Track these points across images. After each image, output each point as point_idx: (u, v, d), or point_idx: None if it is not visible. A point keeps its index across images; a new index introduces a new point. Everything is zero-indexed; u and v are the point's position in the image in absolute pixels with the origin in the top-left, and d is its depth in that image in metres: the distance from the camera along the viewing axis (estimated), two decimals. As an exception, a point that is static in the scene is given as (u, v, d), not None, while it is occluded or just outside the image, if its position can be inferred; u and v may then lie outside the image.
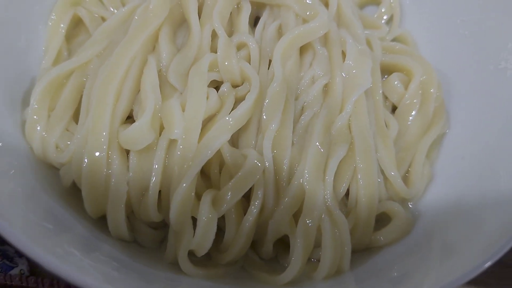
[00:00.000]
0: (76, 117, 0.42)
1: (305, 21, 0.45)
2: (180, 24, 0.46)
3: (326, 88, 0.43)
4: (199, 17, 0.45)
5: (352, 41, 0.44)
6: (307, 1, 0.45)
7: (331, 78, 0.43)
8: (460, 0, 0.49)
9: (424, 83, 0.47)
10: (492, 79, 0.45)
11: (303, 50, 0.45)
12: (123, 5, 0.50)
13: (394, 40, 0.54)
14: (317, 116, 0.41)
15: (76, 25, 0.50)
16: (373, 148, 0.40)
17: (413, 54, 0.49)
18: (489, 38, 0.46)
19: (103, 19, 0.49)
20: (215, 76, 0.42)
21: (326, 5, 0.48)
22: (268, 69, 0.43)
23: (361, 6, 0.57)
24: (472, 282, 0.33)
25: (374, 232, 0.41)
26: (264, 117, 0.39)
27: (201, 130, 0.38)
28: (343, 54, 0.44)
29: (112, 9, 0.50)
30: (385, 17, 0.54)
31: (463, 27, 0.49)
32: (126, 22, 0.45)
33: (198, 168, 0.36)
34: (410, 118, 0.46)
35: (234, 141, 0.41)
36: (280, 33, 0.46)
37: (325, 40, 0.45)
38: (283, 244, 0.40)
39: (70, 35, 0.49)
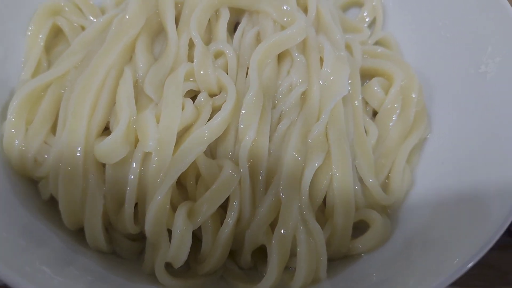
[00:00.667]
0: (54, 129, 0.42)
1: (283, 27, 0.45)
2: (158, 32, 0.46)
3: (304, 96, 0.43)
4: (177, 25, 0.45)
5: (330, 48, 0.44)
6: (285, 7, 0.45)
7: (308, 86, 0.43)
8: (442, 2, 0.49)
9: (405, 87, 0.47)
10: (473, 83, 0.44)
11: (281, 57, 0.44)
12: (103, 13, 0.51)
13: (377, 42, 0.53)
14: (294, 125, 0.41)
15: (56, 35, 0.50)
16: (350, 156, 0.40)
17: (395, 58, 0.49)
18: (469, 41, 0.46)
19: (83, 28, 0.49)
20: (191, 86, 0.42)
21: (306, 10, 0.48)
22: (246, 77, 0.43)
23: (345, 8, 0.57)
24: (455, 283, 0.33)
25: (352, 239, 0.41)
26: (241, 126, 0.39)
27: (177, 141, 0.38)
28: (321, 61, 0.44)
29: (91, 18, 0.50)
30: (367, 20, 0.54)
31: (445, 29, 0.48)
32: (104, 32, 0.45)
33: (172, 181, 0.36)
34: (391, 123, 0.46)
35: (212, 150, 0.41)
36: (258, 40, 0.46)
37: (303, 46, 0.45)
38: (262, 253, 0.41)
39: (50, 45, 0.49)
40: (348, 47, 0.48)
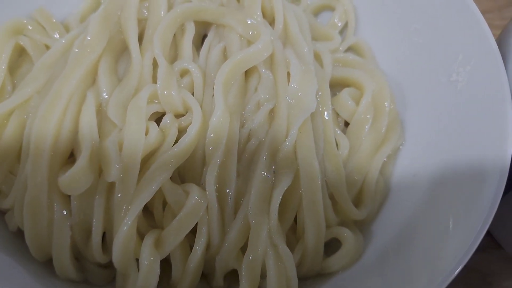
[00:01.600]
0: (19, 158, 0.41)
1: (249, 42, 0.44)
2: (122, 50, 0.45)
3: (272, 113, 0.42)
4: (141, 43, 0.44)
5: (297, 62, 0.43)
6: (249, 21, 0.43)
7: (276, 103, 0.42)
8: (413, 6, 0.47)
9: (376, 97, 0.46)
10: (445, 91, 0.44)
11: (248, 73, 0.43)
12: (67, 31, 0.49)
13: (349, 48, 0.52)
14: (262, 144, 0.40)
15: (20, 55, 0.49)
16: (319, 174, 0.39)
17: (366, 66, 0.48)
18: (441, 49, 0.45)
19: (47, 47, 0.48)
20: (156, 108, 0.41)
21: (273, 21, 0.47)
22: (213, 95, 0.42)
23: (317, 12, 0.56)
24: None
25: (325, 258, 0.40)
26: (208, 149, 0.39)
27: (142, 167, 0.37)
28: (289, 76, 0.43)
29: (56, 35, 0.49)
30: (339, 25, 0.53)
31: (417, 35, 0.48)
32: (66, 53, 0.44)
33: (137, 211, 0.36)
34: (363, 134, 0.45)
35: (181, 172, 0.41)
36: (225, 55, 0.45)
37: (270, 61, 0.44)
38: (235, 274, 0.40)
39: (14, 66, 0.47)
40: (317, 57, 0.48)
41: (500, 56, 0.40)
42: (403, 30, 0.49)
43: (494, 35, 0.77)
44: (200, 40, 0.49)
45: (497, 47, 0.40)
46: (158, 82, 0.41)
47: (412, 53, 0.48)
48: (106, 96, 0.41)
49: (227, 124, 0.39)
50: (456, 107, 0.42)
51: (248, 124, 0.41)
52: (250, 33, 0.44)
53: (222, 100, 0.40)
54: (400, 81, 0.49)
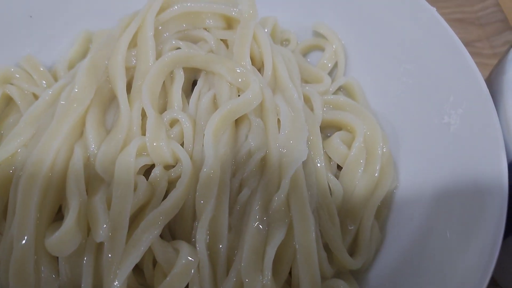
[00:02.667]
0: (6, 214, 0.40)
1: (239, 89, 0.44)
2: (110, 100, 0.44)
3: (263, 162, 0.41)
4: (129, 91, 0.44)
5: (287, 109, 0.42)
6: (238, 70, 0.43)
7: (267, 151, 0.41)
8: (403, 47, 0.47)
9: (368, 140, 0.46)
10: (437, 133, 0.43)
11: (238, 121, 0.43)
12: (56, 78, 0.49)
13: (340, 87, 0.52)
14: (254, 195, 0.39)
15: (7, 103, 0.48)
16: (313, 225, 0.39)
17: (357, 109, 0.47)
18: (432, 89, 0.45)
19: (35, 96, 0.48)
20: (145, 161, 0.40)
21: (262, 66, 0.46)
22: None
23: (306, 52, 0.56)
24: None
25: (321, 310, 0.39)
26: (198, 203, 0.38)
27: (131, 225, 0.37)
28: (279, 122, 0.43)
29: (44, 83, 0.48)
30: (329, 65, 0.53)
31: (407, 75, 0.47)
32: (53, 105, 0.43)
33: (127, 273, 0.35)
34: (356, 178, 0.44)
35: (171, 227, 0.40)
36: (215, 103, 0.44)
37: (260, 109, 0.43)
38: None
39: (1, 115, 0.47)
40: (308, 101, 0.47)
41: (491, 100, 0.40)
42: (393, 70, 0.49)
43: (483, 64, 0.77)
44: (190, 85, 0.48)
45: (487, 90, 0.40)
46: (147, 134, 0.40)
47: (403, 93, 0.48)
48: (94, 150, 0.40)
49: (218, 175, 0.38)
50: (450, 150, 0.42)
51: (240, 173, 0.41)
52: (240, 80, 0.43)
53: (212, 151, 0.39)
54: (391, 120, 0.49)
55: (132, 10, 0.53)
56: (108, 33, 0.45)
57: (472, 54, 0.74)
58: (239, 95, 0.44)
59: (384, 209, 0.45)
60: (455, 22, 0.76)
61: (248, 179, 0.40)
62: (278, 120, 0.43)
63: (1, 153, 0.40)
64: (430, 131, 0.44)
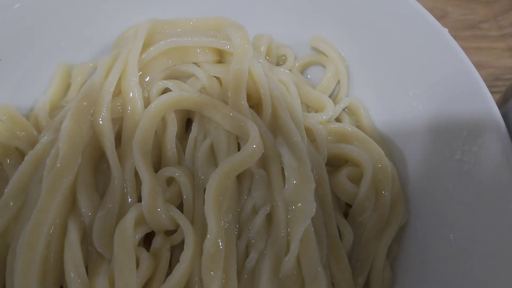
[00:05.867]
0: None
1: (237, 137, 0.41)
2: (99, 157, 0.41)
3: (269, 218, 0.39)
4: (118, 145, 0.40)
5: (291, 158, 0.39)
6: (235, 116, 0.40)
7: (273, 207, 0.39)
8: (412, 70, 0.44)
9: (377, 176, 0.43)
10: (449, 168, 0.41)
11: (240, 174, 0.40)
12: (36, 123, 0.45)
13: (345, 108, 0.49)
14: (262, 258, 0.38)
15: (-12, 160, 0.45)
16: (325, 285, 0.37)
17: (364, 141, 0.44)
18: (443, 120, 0.41)
19: (18, 150, 0.44)
20: (144, 231, 0.38)
21: (260, 104, 0.43)
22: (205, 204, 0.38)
23: (304, 68, 0.52)
24: None
25: None
26: (204, 276, 0.36)
27: (137, 305, 0.35)
28: (283, 171, 0.40)
29: (23, 134, 0.44)
30: (332, 87, 0.49)
31: (416, 100, 0.44)
32: (38, 167, 0.40)
33: None
34: (366, 219, 0.43)
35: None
36: (213, 152, 0.41)
37: (262, 158, 0.40)
38: None
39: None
40: (311, 133, 0.44)
41: (510, 141, 0.37)
42: (401, 93, 0.45)
43: (490, 49, 0.73)
44: (183, 125, 0.45)
45: (506, 129, 0.37)
46: (143, 202, 0.37)
47: (413, 117, 0.45)
48: (89, 220, 0.38)
49: (223, 245, 0.36)
50: (463, 188, 0.39)
51: (245, 233, 0.39)
52: (238, 128, 0.40)
53: (214, 219, 0.37)
54: (398, 142, 0.46)
55: (109, 36, 0.48)
56: (89, 82, 0.41)
57: (479, 37, 0.70)
58: (238, 142, 0.41)
59: (395, 245, 0.44)
60: (460, 1, 0.71)
61: (255, 241, 0.38)
62: (282, 169, 0.40)
63: (-9, 232, 0.38)
64: (441, 164, 0.42)
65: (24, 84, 0.47)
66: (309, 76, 0.52)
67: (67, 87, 0.49)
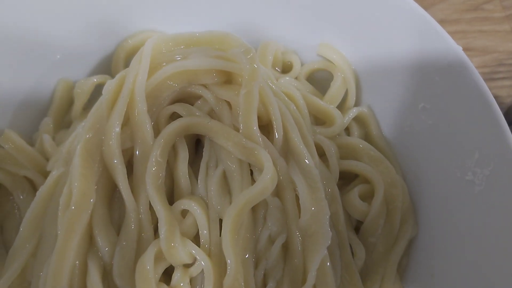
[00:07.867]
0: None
1: (250, 165, 0.40)
2: (113, 190, 0.41)
3: (284, 247, 0.40)
4: (130, 175, 0.40)
5: (304, 185, 0.39)
6: (246, 144, 0.39)
7: (288, 236, 0.39)
8: (421, 82, 0.43)
9: (388, 193, 0.44)
10: (460, 188, 0.41)
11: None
12: (41, 153, 0.44)
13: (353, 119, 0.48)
14: (281, 286, 0.39)
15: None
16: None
17: (374, 158, 0.44)
18: (453, 137, 0.41)
19: (26, 178, 0.43)
20: (163, 267, 0.38)
21: (270, 127, 0.42)
22: (220, 235, 0.39)
23: (311, 74, 0.50)
24: None
25: None
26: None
27: None
28: (297, 198, 0.40)
29: (30, 163, 0.44)
30: (340, 97, 0.48)
31: (426, 114, 0.44)
32: (51, 202, 0.40)
33: None
34: (376, 236, 0.44)
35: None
36: (226, 180, 0.41)
37: (276, 186, 0.40)
38: None
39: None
40: (320, 148, 0.44)
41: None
42: (410, 105, 0.45)
43: (495, 32, 0.72)
44: (193, 146, 0.44)
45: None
46: (161, 238, 0.38)
47: (421, 130, 0.45)
48: (108, 257, 0.38)
49: (242, 281, 0.37)
50: (473, 210, 0.40)
51: (262, 263, 0.39)
52: (250, 157, 0.40)
53: (233, 255, 0.37)
54: (406, 154, 0.46)
55: (100, 48, 0.47)
56: (95, 112, 0.40)
57: (482, 20, 0.68)
58: (250, 170, 0.41)
59: (404, 259, 0.45)
60: (464, -21, 0.69)
61: (272, 270, 0.39)
62: (296, 196, 0.40)
63: (9, 274, 0.38)
64: (451, 183, 0.42)
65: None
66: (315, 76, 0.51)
67: (69, 104, 0.47)
